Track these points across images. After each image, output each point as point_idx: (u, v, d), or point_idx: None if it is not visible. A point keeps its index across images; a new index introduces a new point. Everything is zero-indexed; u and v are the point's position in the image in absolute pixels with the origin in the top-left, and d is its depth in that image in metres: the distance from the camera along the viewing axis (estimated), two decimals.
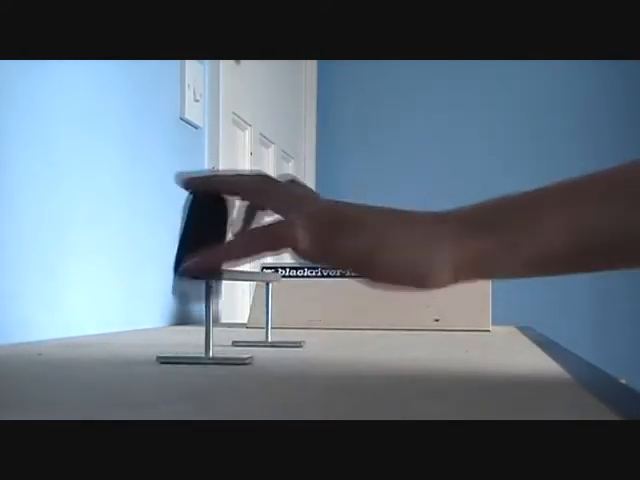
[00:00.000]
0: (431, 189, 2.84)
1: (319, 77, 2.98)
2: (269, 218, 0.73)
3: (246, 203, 0.75)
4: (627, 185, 0.64)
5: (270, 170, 2.54)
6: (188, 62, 1.76)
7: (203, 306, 0.81)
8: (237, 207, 0.76)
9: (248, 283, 2.02)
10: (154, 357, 0.85)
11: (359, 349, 1.14)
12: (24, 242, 1.18)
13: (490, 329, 1.45)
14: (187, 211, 0.76)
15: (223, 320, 1.91)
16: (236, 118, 2.12)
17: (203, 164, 1.91)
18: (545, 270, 0.66)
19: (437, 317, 1.47)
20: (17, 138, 1.17)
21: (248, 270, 1.41)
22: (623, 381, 0.79)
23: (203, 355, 0.83)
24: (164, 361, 0.84)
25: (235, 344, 1.06)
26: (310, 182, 2.96)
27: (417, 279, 0.66)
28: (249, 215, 0.75)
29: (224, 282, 0.84)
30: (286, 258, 0.77)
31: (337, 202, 0.69)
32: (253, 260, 0.72)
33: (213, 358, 0.83)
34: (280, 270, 1.55)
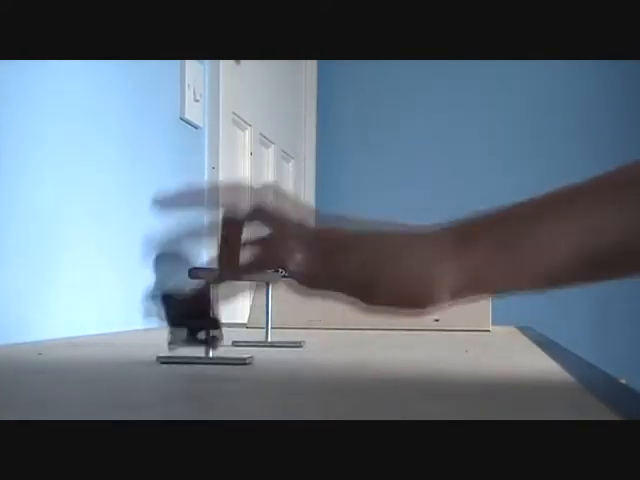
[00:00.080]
0: (431, 189, 2.84)
1: (319, 77, 2.98)
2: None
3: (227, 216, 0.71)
4: (630, 187, 0.64)
5: (270, 170, 2.54)
6: (188, 62, 1.76)
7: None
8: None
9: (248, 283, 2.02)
10: (154, 357, 0.84)
11: (359, 349, 1.14)
12: (24, 242, 1.18)
13: (490, 329, 1.45)
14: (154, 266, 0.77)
15: (223, 320, 1.90)
16: (236, 118, 2.12)
17: (203, 164, 1.91)
18: (552, 281, 0.65)
19: (437, 317, 1.47)
20: (17, 138, 1.17)
21: None
22: (623, 381, 0.79)
23: (203, 355, 0.83)
24: (164, 361, 0.83)
25: (235, 344, 1.06)
26: (310, 182, 2.96)
27: (417, 299, 0.66)
28: (233, 231, 0.72)
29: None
30: None
31: (334, 227, 0.69)
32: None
33: (213, 358, 0.83)
34: (280, 270, 1.55)
